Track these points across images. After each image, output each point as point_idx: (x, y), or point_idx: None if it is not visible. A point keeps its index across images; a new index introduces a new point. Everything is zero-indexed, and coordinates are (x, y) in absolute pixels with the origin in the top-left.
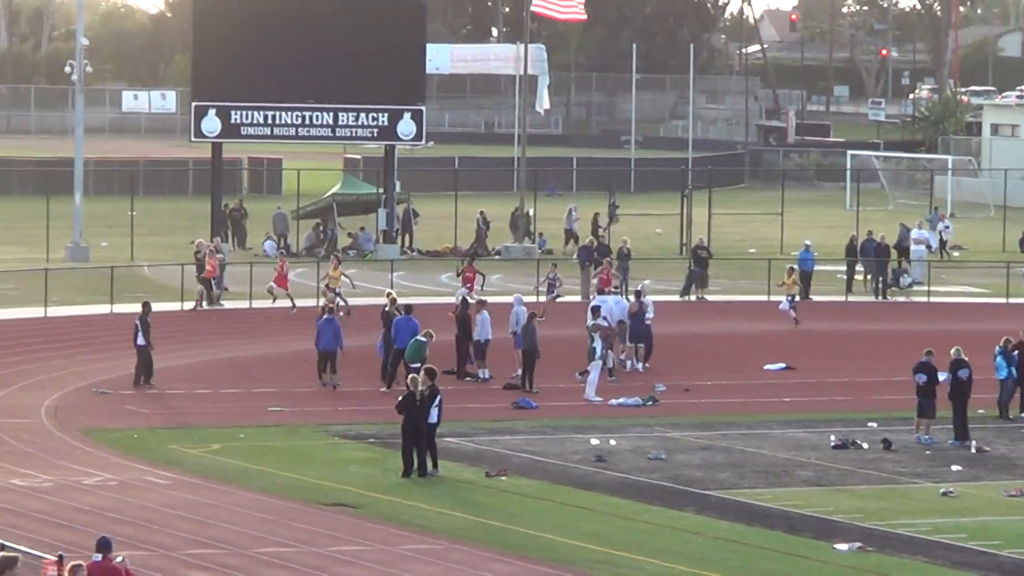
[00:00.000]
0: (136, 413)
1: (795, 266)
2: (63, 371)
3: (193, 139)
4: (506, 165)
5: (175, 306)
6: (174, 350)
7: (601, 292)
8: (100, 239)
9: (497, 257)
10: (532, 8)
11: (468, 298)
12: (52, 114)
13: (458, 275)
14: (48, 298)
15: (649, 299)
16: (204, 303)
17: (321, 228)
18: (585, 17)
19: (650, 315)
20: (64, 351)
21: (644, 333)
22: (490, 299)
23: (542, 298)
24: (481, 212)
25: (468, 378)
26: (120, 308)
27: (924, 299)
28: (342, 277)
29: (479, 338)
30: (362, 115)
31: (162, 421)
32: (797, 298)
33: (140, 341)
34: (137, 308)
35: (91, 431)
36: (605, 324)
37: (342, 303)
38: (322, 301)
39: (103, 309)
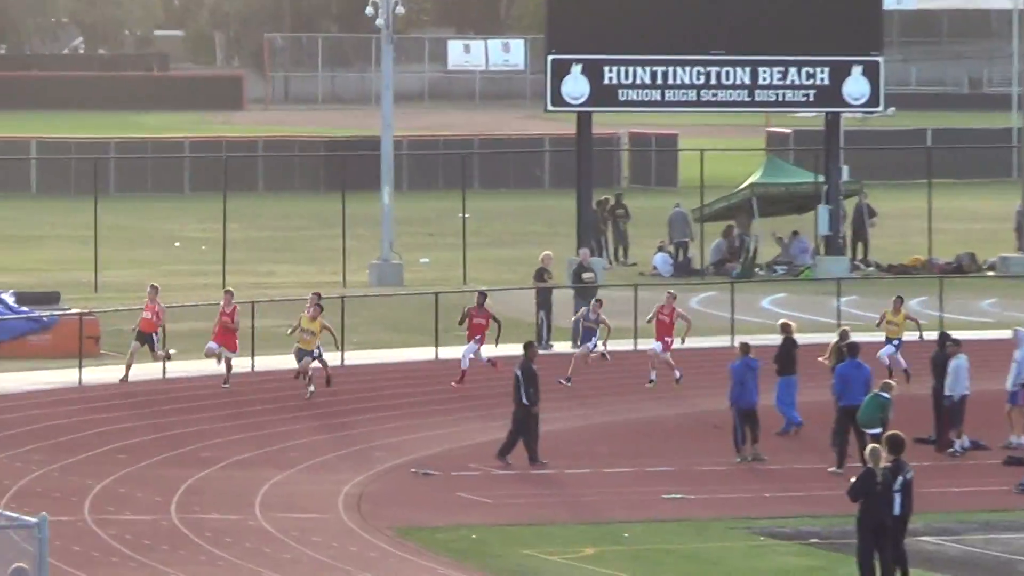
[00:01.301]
0: (474, 503)
1: (902, 295)
2: (368, 443)
3: (550, 108)
4: (1001, 140)
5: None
6: None
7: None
8: (419, 253)
9: (991, 273)
10: None
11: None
12: (348, 75)
13: (461, 322)
14: (347, 338)
15: None
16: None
17: (736, 233)
18: None
19: None
20: (369, 414)
21: None
22: (978, 334)
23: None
24: None
25: (952, 450)
26: (448, 351)
27: None
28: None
29: (951, 393)
30: (792, 71)
31: (511, 515)
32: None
33: (524, 399)
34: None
35: (409, 530)
36: None
37: (318, 367)
38: (736, 341)
39: (425, 353)
